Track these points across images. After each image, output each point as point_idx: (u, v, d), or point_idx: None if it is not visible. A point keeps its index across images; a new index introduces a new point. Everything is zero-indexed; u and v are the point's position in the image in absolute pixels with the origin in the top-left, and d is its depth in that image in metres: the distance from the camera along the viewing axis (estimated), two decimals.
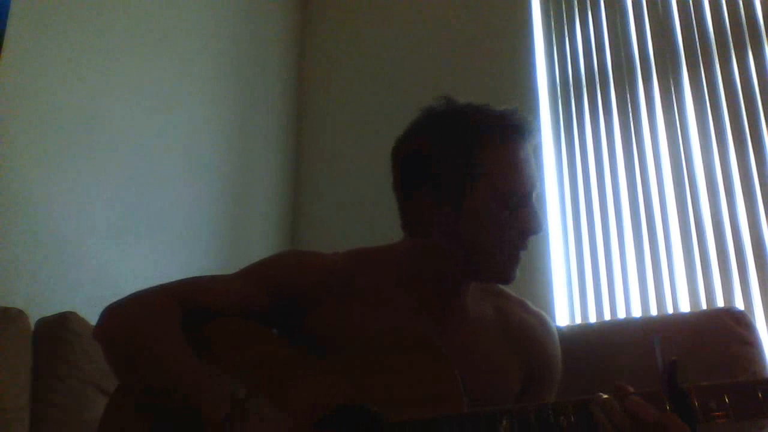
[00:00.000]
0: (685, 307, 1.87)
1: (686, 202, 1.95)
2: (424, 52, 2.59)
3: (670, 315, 1.84)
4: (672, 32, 2.12)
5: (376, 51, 2.74)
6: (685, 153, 1.99)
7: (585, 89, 2.23)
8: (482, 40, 2.47)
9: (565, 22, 2.33)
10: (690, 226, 1.92)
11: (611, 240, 2.03)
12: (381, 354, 0.93)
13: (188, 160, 2.26)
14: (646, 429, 0.72)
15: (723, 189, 1.89)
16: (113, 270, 1.90)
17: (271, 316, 1.06)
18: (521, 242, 1.03)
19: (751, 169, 1.86)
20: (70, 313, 1.55)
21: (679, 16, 2.12)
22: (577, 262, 2.07)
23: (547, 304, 2.02)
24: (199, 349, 0.95)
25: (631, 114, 2.11)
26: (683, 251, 1.91)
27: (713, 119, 1.96)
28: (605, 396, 0.76)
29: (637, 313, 1.94)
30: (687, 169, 1.97)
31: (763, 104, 1.88)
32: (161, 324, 0.97)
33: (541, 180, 1.06)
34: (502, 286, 1.15)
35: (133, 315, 0.99)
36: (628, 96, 2.14)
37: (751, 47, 1.95)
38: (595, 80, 2.21)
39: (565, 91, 2.26)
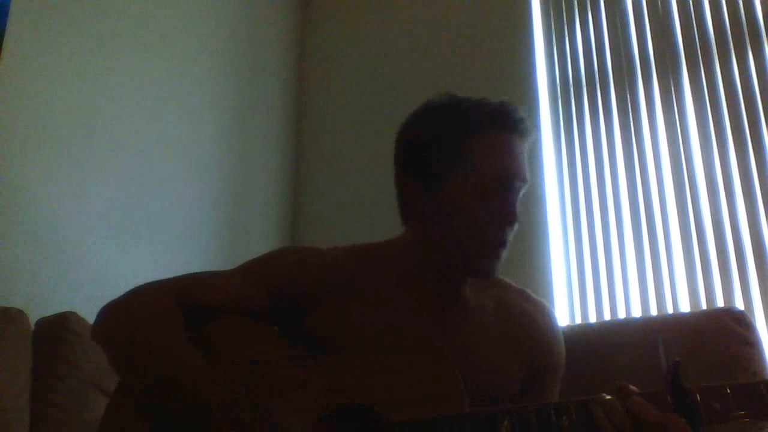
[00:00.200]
0: (685, 307, 1.87)
1: (686, 202, 1.95)
2: (424, 52, 2.59)
3: (670, 315, 1.84)
4: (672, 32, 2.12)
5: (376, 51, 2.74)
6: (685, 153, 1.99)
7: (585, 89, 2.23)
8: (482, 40, 2.47)
9: (565, 22, 2.33)
10: (690, 226, 1.92)
11: (611, 240, 2.03)
12: (381, 354, 0.93)
13: (188, 160, 2.26)
14: (647, 430, 0.72)
15: (723, 189, 1.89)
16: (113, 270, 1.90)
17: (271, 315, 1.05)
18: (497, 234, 1.01)
19: (751, 169, 1.86)
20: (70, 313, 1.55)
21: (679, 16, 2.12)
22: (577, 262, 2.07)
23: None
24: (199, 348, 0.95)
25: (631, 114, 2.11)
26: (683, 251, 1.91)
27: (713, 119, 1.96)
28: (607, 396, 0.76)
29: (637, 313, 1.94)
30: (687, 169, 1.97)
31: (763, 104, 1.89)
32: (162, 323, 0.96)
33: (527, 175, 1.04)
34: (502, 277, 1.15)
35: (132, 314, 0.99)
36: (628, 96, 2.14)
37: (751, 47, 1.95)
38: (595, 80, 2.21)
39: (565, 91, 2.26)
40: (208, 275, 1.11)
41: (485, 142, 1.03)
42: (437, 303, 1.08)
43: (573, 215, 2.12)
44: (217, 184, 2.36)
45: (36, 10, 1.84)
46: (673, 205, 1.97)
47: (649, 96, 2.10)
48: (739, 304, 1.78)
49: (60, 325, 1.52)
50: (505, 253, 1.03)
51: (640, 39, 2.18)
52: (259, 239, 2.48)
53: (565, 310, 2.05)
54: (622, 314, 1.95)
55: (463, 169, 1.02)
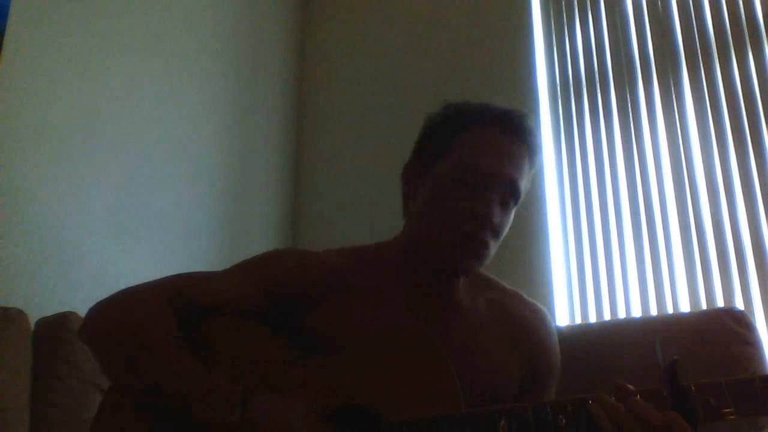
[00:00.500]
0: (685, 307, 1.87)
1: (686, 203, 1.95)
2: (424, 52, 2.59)
3: (670, 315, 1.84)
4: (672, 32, 2.12)
5: (376, 51, 2.75)
6: (685, 153, 1.99)
7: (585, 89, 2.23)
8: (482, 40, 2.47)
9: (565, 22, 2.33)
10: (690, 226, 1.92)
11: (611, 240, 2.04)
12: (381, 354, 0.93)
13: (188, 160, 2.26)
14: (646, 428, 0.72)
15: (723, 189, 1.89)
16: (113, 270, 1.90)
17: (269, 316, 1.05)
18: (470, 228, 1.00)
19: (751, 169, 1.86)
20: (70, 313, 1.55)
21: (679, 16, 2.12)
22: (577, 262, 2.07)
23: (547, 304, 2.01)
24: (197, 349, 0.95)
25: (631, 114, 2.11)
26: (683, 251, 1.91)
27: (713, 119, 1.96)
28: (606, 395, 0.76)
29: (637, 313, 1.94)
30: (687, 169, 1.97)
31: (763, 104, 1.89)
32: (161, 324, 0.96)
33: (516, 181, 1.04)
34: (494, 278, 1.15)
35: (132, 314, 0.98)
36: (628, 96, 2.14)
37: (751, 47, 1.95)
38: (595, 80, 2.21)
39: (565, 92, 2.26)
40: (202, 276, 1.10)
41: (477, 138, 1.05)
42: (436, 303, 1.08)
43: (573, 215, 2.12)
44: (217, 184, 2.36)
45: (36, 10, 1.84)
46: (673, 205, 1.97)
47: (649, 96, 2.11)
48: (739, 304, 1.78)
49: (60, 325, 1.52)
50: (487, 256, 1.02)
51: (640, 39, 2.18)
52: (259, 239, 2.48)
53: (565, 310, 2.05)
54: (622, 314, 1.96)
55: (452, 153, 1.05)
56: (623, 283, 1.98)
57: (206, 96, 2.40)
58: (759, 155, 1.86)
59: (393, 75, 2.64)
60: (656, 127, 2.06)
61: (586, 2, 2.30)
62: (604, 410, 0.75)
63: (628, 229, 2.02)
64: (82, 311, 1.55)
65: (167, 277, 1.05)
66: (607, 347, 1.47)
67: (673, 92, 2.06)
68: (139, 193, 2.06)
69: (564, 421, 0.77)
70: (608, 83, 2.19)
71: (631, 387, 0.76)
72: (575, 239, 2.09)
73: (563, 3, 2.35)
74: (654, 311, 1.91)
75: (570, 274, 2.08)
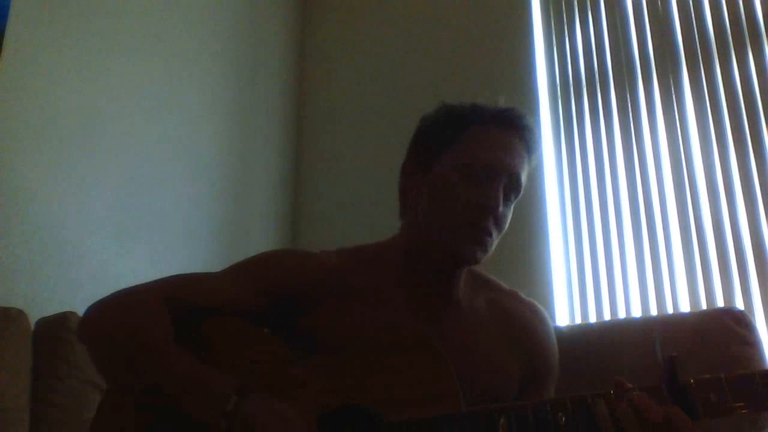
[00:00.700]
0: (685, 307, 1.87)
1: (686, 203, 1.95)
2: (424, 52, 2.59)
3: (670, 315, 1.84)
4: (672, 32, 2.12)
5: (376, 51, 2.75)
6: (685, 153, 1.99)
7: (585, 89, 2.23)
8: (482, 40, 2.47)
9: (565, 22, 2.33)
10: (690, 227, 1.92)
11: (611, 240, 2.04)
12: (380, 354, 0.93)
13: (188, 160, 2.27)
14: (647, 423, 0.72)
15: (723, 189, 1.89)
16: (113, 270, 1.90)
17: (268, 316, 1.05)
18: (477, 219, 1.01)
19: (751, 169, 1.86)
20: (70, 313, 1.55)
21: (679, 16, 2.12)
22: (577, 262, 2.07)
23: (547, 304, 2.02)
24: (197, 350, 0.94)
25: (631, 114, 2.11)
26: (683, 251, 1.91)
27: (713, 119, 1.96)
28: (607, 391, 0.76)
29: (637, 313, 1.94)
30: (687, 169, 1.97)
31: (763, 104, 1.89)
32: (157, 325, 0.95)
33: (518, 174, 1.04)
34: (493, 278, 1.15)
35: (124, 314, 0.97)
36: (628, 96, 2.14)
37: (751, 47, 1.95)
38: (595, 80, 2.21)
39: (565, 92, 2.26)
40: (201, 276, 1.10)
41: (479, 134, 1.05)
42: (436, 303, 1.08)
43: (573, 215, 2.12)
44: (217, 184, 2.36)
45: (36, 10, 1.84)
46: (673, 205, 1.97)
47: (649, 96, 2.11)
48: (739, 304, 1.78)
49: (60, 325, 1.52)
50: (491, 245, 1.03)
51: (640, 39, 2.18)
52: (259, 239, 2.48)
53: (565, 310, 2.05)
54: (622, 314, 1.96)
55: (453, 151, 1.05)
56: (623, 283, 1.98)
57: (206, 96, 2.40)
58: (759, 155, 1.86)
59: (393, 75, 2.64)
60: (656, 127, 2.06)
61: (586, 2, 2.30)
62: (606, 405, 0.75)
63: (628, 229, 2.02)
64: (82, 311, 1.55)
65: (166, 278, 1.05)
66: (607, 347, 1.47)
67: (673, 92, 2.06)
68: (139, 193, 2.06)
69: (564, 419, 0.77)
70: (608, 83, 2.19)
71: (630, 384, 0.76)
72: (575, 239, 2.09)
73: (563, 3, 2.35)
74: (654, 311, 1.91)
75: (570, 274, 2.08)
